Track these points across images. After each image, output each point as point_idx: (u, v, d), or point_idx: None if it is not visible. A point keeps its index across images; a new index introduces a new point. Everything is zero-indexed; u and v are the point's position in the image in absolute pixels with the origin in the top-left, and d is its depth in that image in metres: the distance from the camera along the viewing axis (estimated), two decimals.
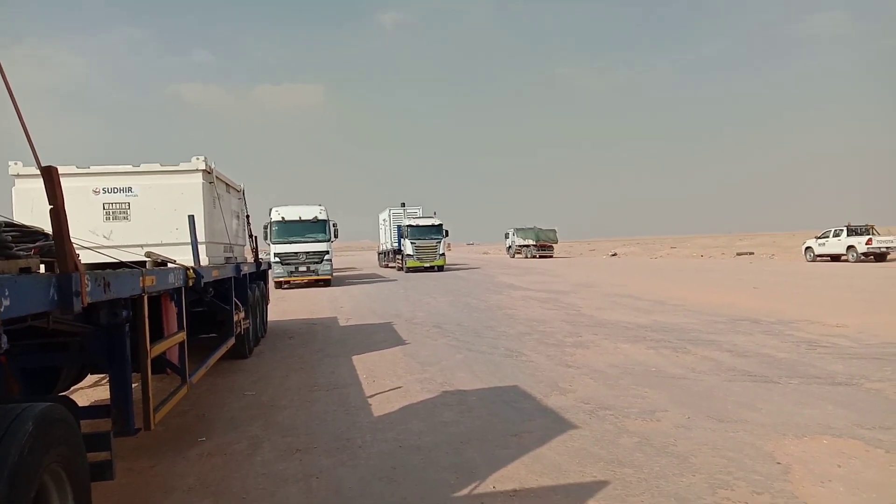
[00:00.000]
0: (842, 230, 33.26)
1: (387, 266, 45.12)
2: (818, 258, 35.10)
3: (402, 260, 38.23)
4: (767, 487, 4.19)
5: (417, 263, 36.78)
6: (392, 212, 42.30)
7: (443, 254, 37.88)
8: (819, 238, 35.20)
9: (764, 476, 4.38)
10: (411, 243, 36.83)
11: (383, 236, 45.64)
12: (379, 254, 50.23)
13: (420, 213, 40.95)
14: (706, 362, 8.30)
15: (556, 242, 61.12)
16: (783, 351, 8.90)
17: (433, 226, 37.77)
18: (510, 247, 62.67)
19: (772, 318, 12.33)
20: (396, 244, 40.28)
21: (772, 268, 31.46)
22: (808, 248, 36.27)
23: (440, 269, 37.79)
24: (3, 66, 2.87)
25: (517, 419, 5.99)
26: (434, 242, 37.28)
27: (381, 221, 45.92)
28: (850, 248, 32.43)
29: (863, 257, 31.67)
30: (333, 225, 27.79)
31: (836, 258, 33.91)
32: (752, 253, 49.14)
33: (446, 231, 38.19)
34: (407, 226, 37.55)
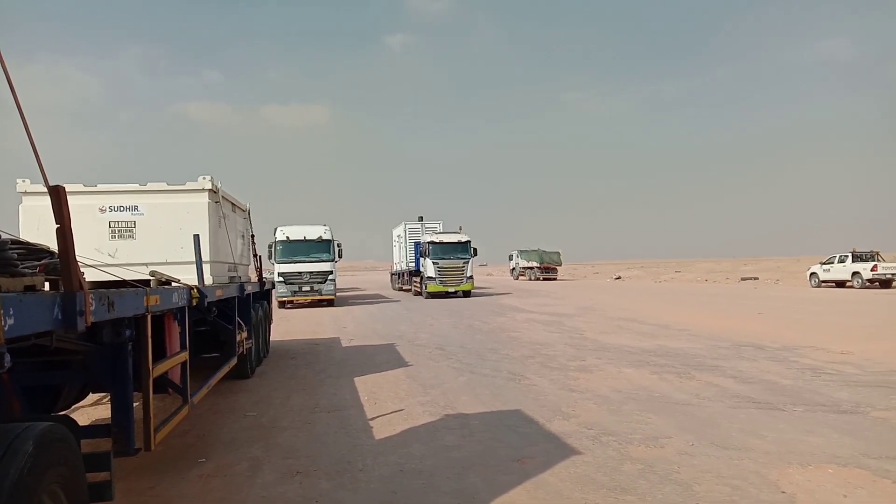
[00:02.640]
0: (847, 256, 33.19)
1: (401, 289, 40.03)
2: (823, 284, 34.97)
3: (421, 283, 32.77)
4: None
5: (440, 288, 31.20)
6: (408, 226, 37.06)
7: (470, 277, 32.25)
8: (824, 264, 35.09)
9: None
10: (433, 264, 31.31)
11: (397, 255, 39.88)
12: (392, 275, 44.50)
13: (440, 229, 35.53)
14: (710, 388, 8.24)
15: (560, 265, 61.10)
16: (788, 378, 8.84)
17: (459, 243, 32.24)
18: (514, 269, 62.64)
19: (776, 344, 12.26)
20: (414, 264, 34.95)
21: (776, 293, 31.36)
22: (812, 273, 36.15)
23: (467, 294, 32.30)
24: (13, 84, 2.90)
25: (520, 444, 5.95)
26: (461, 263, 31.80)
27: (394, 238, 40.45)
28: (855, 274, 32.34)
29: (868, 284, 31.55)
30: (338, 245, 27.85)
31: (841, 284, 33.76)
32: (757, 278, 49.00)
33: (475, 249, 32.64)
34: (428, 243, 31.96)
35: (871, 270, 31.47)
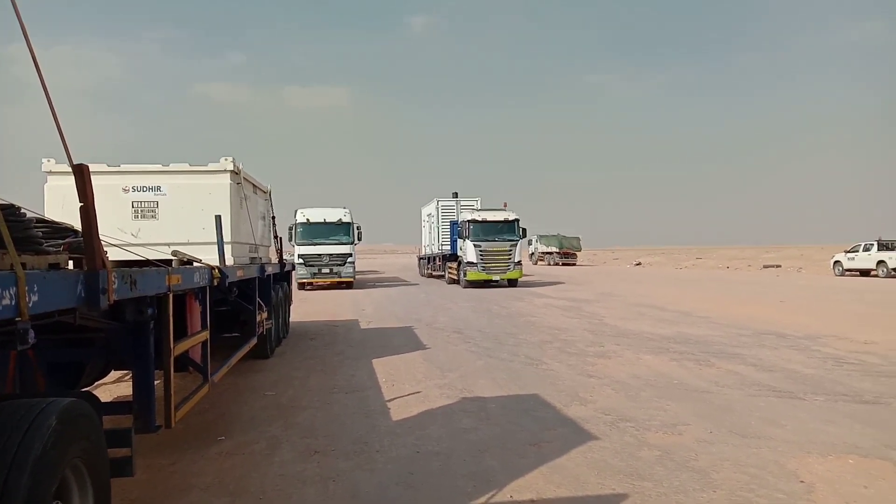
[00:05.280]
0: (872, 244, 32.63)
1: (431, 275, 35.06)
2: (847, 273, 34.46)
3: (458, 269, 28.17)
4: None
5: (482, 275, 26.31)
6: (441, 204, 32.50)
7: (518, 262, 27.18)
8: (848, 252, 34.56)
9: (787, 494, 4.29)
10: (475, 246, 26.38)
11: (427, 237, 35.54)
12: (420, 259, 39.73)
13: (478, 207, 30.73)
14: (730, 376, 8.17)
15: (580, 250, 60.88)
16: (809, 366, 8.74)
17: (506, 222, 27.24)
18: (532, 253, 62.44)
19: (798, 332, 12.12)
20: (448, 247, 30.69)
21: (799, 281, 30.96)
22: (836, 262, 35.64)
23: (513, 283, 27.47)
24: (39, 65, 2.92)
25: (536, 428, 5.95)
26: (507, 246, 26.74)
27: (423, 217, 36.30)
28: (880, 263, 31.79)
29: (893, 273, 31.01)
30: (357, 228, 27.89)
31: (865, 273, 33.24)
32: (780, 266, 48.44)
33: (523, 230, 27.62)
34: (469, 221, 27.02)
35: None
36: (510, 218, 27.39)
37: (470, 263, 26.57)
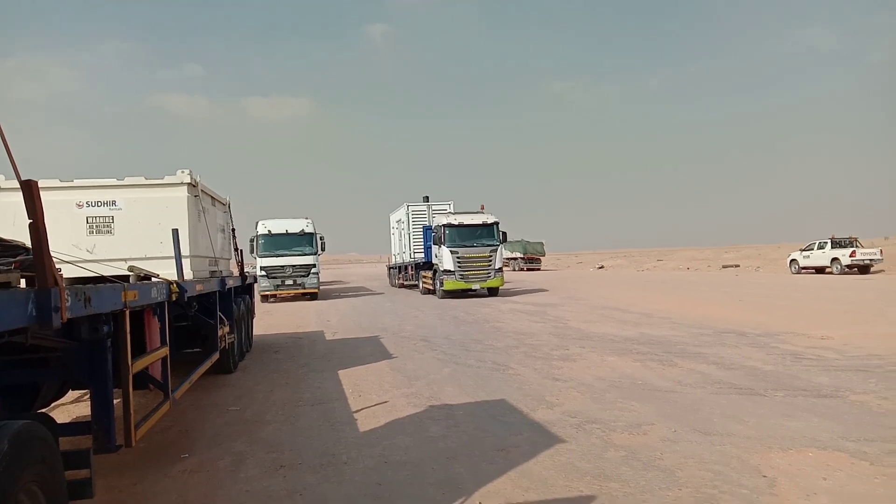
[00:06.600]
0: (826, 243, 33.65)
1: (402, 285, 32.52)
2: (803, 270, 35.43)
3: (433, 279, 26.09)
4: (753, 501, 4.18)
5: (460, 284, 24.23)
6: (411, 209, 30.13)
7: (499, 269, 25.01)
8: (804, 251, 35.58)
9: (750, 489, 4.37)
10: (451, 253, 24.16)
11: (397, 244, 32.98)
12: (390, 269, 36.88)
13: (451, 211, 28.28)
14: (692, 375, 8.31)
15: (544, 255, 61.32)
16: (769, 363, 8.93)
17: (484, 225, 24.96)
18: None
19: (757, 330, 12.39)
20: (422, 255, 28.48)
21: (757, 280, 31.70)
22: (792, 260, 36.63)
23: (493, 292, 25.42)
24: None
25: (504, 433, 5.96)
26: (487, 252, 24.57)
27: (392, 224, 33.93)
28: (834, 260, 32.79)
29: (847, 269, 32.02)
30: (320, 238, 27.64)
31: (820, 270, 34.23)
32: (738, 265, 49.48)
33: (504, 234, 25.45)
34: (444, 226, 24.71)
35: (850, 256, 31.98)
36: (489, 221, 25.11)
37: (447, 272, 24.42)
